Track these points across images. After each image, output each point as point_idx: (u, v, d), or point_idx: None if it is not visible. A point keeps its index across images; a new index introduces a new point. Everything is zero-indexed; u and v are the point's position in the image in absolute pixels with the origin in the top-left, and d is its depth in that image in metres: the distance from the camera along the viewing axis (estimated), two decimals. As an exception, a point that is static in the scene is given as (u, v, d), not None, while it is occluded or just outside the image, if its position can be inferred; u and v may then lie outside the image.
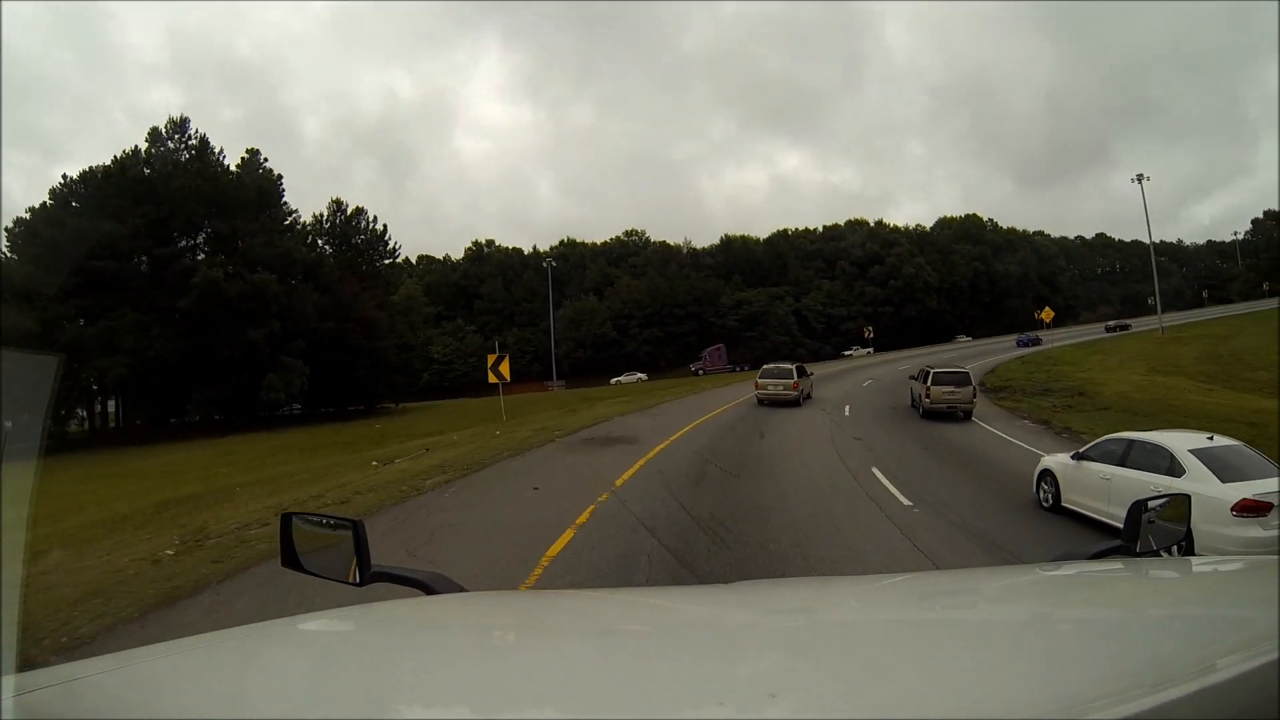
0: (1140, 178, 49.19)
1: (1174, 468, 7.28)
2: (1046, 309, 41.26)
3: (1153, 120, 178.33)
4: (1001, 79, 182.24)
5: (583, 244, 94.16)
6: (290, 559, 1.63)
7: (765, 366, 23.82)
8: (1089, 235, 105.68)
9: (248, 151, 47.75)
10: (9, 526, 4.44)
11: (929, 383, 19.43)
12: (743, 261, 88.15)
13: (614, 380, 66.90)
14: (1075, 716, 0.76)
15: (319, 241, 52.14)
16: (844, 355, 72.36)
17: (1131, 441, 8.11)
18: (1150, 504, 1.64)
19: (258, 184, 46.21)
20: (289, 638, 1.32)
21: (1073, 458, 8.91)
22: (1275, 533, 6.44)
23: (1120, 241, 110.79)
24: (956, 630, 1.25)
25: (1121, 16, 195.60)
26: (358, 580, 1.55)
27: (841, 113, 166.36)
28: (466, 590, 1.62)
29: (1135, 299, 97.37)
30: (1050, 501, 9.10)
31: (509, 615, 1.51)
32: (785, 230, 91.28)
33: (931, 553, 7.15)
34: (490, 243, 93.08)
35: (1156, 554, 1.58)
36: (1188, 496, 1.74)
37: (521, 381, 73.24)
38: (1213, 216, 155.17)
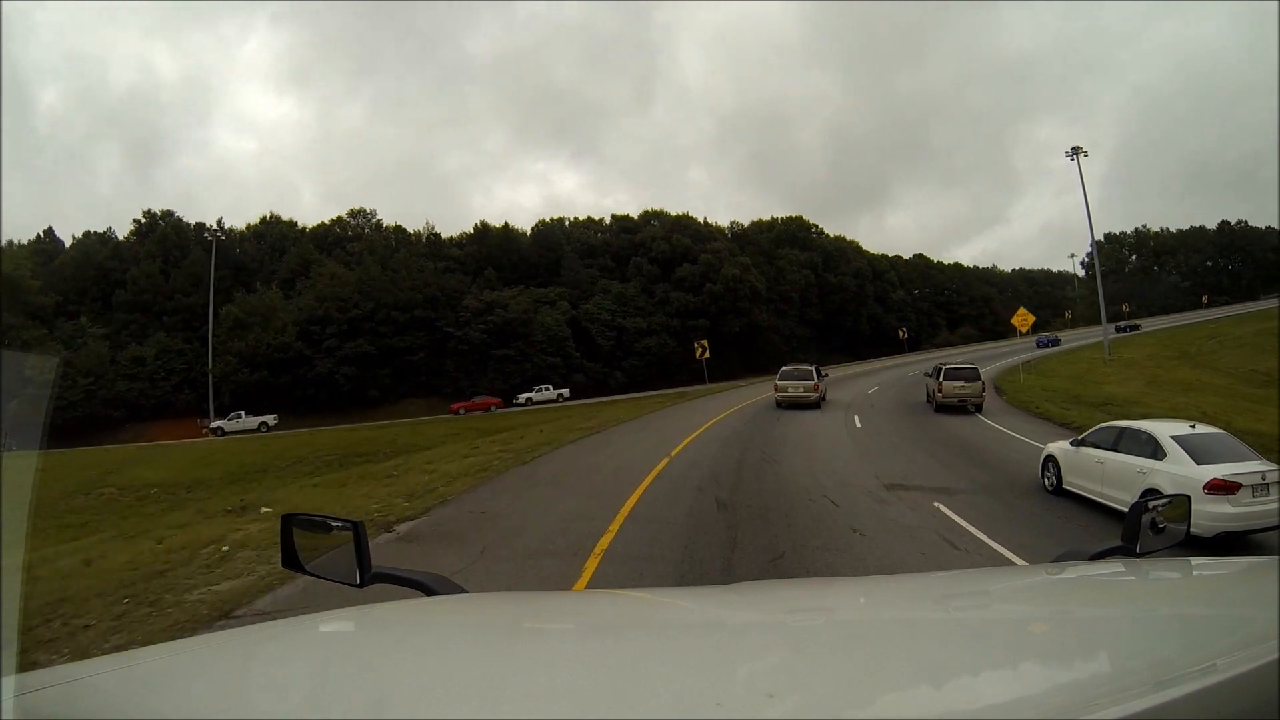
0: (1077, 151, 47.04)
1: (1157, 452, 9.12)
2: (1021, 312, 36.23)
3: (931, 164, 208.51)
4: (790, 111, 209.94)
5: (287, 223, 78.37)
6: (290, 560, 1.80)
7: (784, 369, 27.67)
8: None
9: None
10: (9, 526, 4.45)
11: (941, 379, 23.69)
12: (501, 254, 76.51)
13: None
14: (1075, 716, 0.80)
15: None
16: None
17: (1123, 429, 10.09)
18: (1150, 504, 1.83)
19: None
20: (289, 638, 1.44)
21: (1072, 444, 11.04)
22: (1245, 509, 8.04)
23: (941, 263, 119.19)
24: (956, 630, 1.34)
25: (908, 64, 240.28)
26: (358, 581, 1.72)
27: (626, 132, 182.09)
28: (466, 591, 1.80)
29: (969, 319, 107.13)
30: (1053, 485, 11.19)
31: (509, 616, 1.66)
32: (561, 219, 69.46)
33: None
34: (168, 214, 74.00)
35: (1157, 555, 1.80)
36: (1188, 497, 1.97)
37: (165, 418, 56.45)
38: (972, 258, 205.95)
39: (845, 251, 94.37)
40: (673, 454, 15.34)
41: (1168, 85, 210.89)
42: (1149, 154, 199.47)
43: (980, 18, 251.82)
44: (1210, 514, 7.76)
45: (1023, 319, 35.13)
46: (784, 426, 19.38)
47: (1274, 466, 8.48)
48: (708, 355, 42.29)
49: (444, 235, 79.01)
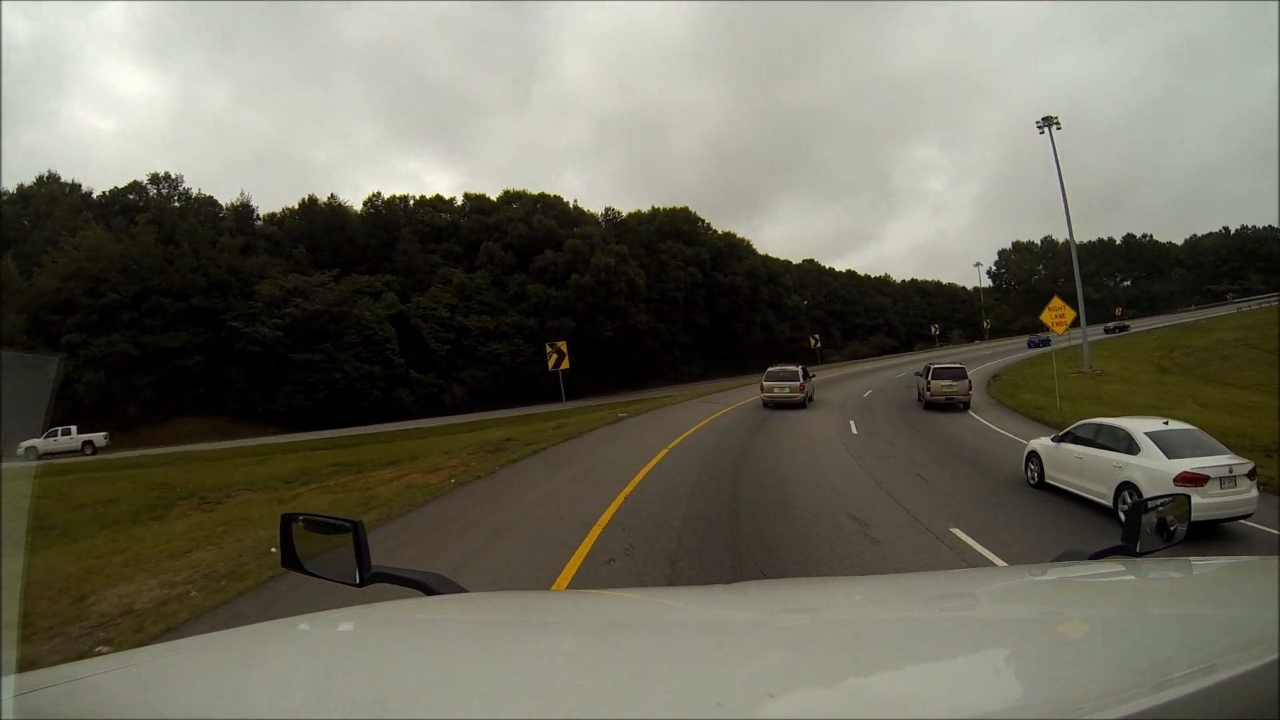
0: (1049, 121, 43.28)
1: (1131, 447, 10.31)
2: (1055, 305, 26.13)
3: (810, 178, 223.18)
4: (672, 118, 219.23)
5: (67, 185, 64.91)
6: (290, 560, 1.93)
7: (770, 369, 29.89)
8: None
9: None
10: (9, 526, 4.68)
11: (930, 377, 26.18)
12: (325, 235, 65.38)
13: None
14: (1075, 716, 0.86)
15: None
16: None
17: (1101, 425, 11.36)
18: (1151, 504, 1.97)
19: None
20: (289, 638, 1.54)
21: (1053, 440, 12.44)
22: (1214, 500, 9.13)
23: (833, 270, 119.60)
24: (956, 630, 1.44)
25: (794, 78, 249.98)
26: (358, 581, 1.84)
27: (502, 133, 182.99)
28: (466, 590, 1.91)
29: (865, 329, 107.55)
30: (1036, 479, 12.58)
31: (509, 615, 1.79)
32: (405, 197, 59.93)
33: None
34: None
35: (1157, 554, 1.95)
36: (1188, 497, 2.13)
37: None
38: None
39: (737, 249, 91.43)
40: None
41: (1040, 115, 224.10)
42: (1020, 179, 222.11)
43: (868, 36, 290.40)
44: None
45: (1058, 317, 25.48)
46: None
47: (1241, 460, 9.79)
48: (566, 364, 30.86)
49: (263, 211, 70.80)
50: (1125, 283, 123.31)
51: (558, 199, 77.32)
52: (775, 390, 27.95)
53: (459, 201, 76.85)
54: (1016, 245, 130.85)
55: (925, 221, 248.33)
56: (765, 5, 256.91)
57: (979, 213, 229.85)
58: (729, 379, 64.45)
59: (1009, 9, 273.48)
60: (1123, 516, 9.50)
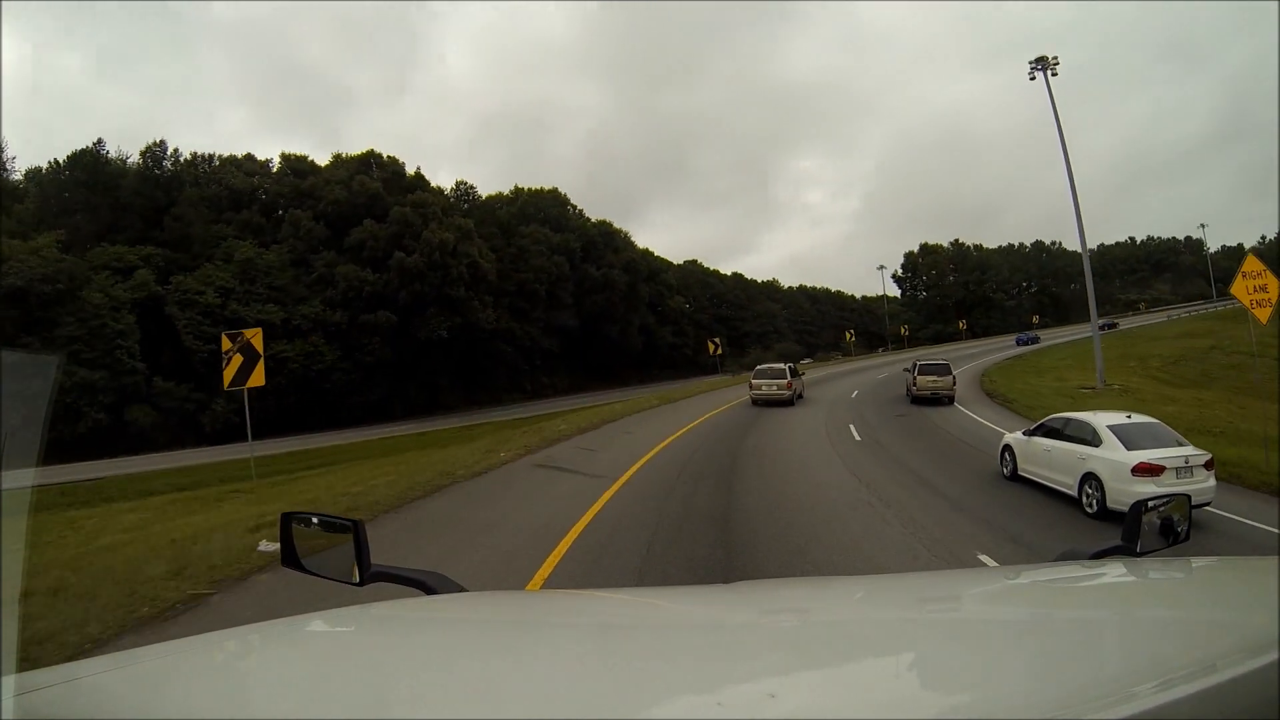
0: (1044, 63, 34.69)
1: (1094, 439, 11.31)
2: (1252, 266, 16.99)
3: (690, 184, 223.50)
4: (550, 118, 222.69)
5: None
6: (290, 559, 1.99)
7: (759, 367, 33.30)
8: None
9: None
10: (9, 526, 5.00)
11: (916, 373, 28.79)
12: (81, 194, 51.52)
13: None
14: (1075, 716, 0.90)
15: None
16: None
17: (1068, 419, 12.52)
18: (1150, 504, 2.03)
19: None
20: (289, 638, 1.61)
21: (1024, 434, 13.66)
22: (1170, 489, 9.81)
23: (719, 272, 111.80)
24: (956, 630, 1.53)
25: (675, 84, 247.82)
26: (358, 580, 1.92)
27: (373, 125, 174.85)
28: (466, 590, 1.98)
29: (754, 336, 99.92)
30: (1010, 472, 13.68)
31: (509, 615, 1.87)
32: (210, 155, 58.85)
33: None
34: None
35: (1157, 554, 2.06)
36: (1188, 496, 2.21)
37: None
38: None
39: (613, 239, 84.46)
40: None
41: (923, 132, 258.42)
42: (902, 192, 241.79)
43: (756, 42, 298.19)
44: (1137, 494, 8.91)
45: (1260, 291, 16.44)
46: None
47: (1198, 451, 10.91)
48: (259, 379, 18.79)
49: (27, 165, 59.69)
50: (1033, 289, 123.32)
51: (392, 160, 65.16)
52: (764, 387, 30.15)
53: (276, 165, 63.68)
54: (924, 248, 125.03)
55: (805, 231, 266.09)
56: (653, 6, 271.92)
57: (859, 224, 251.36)
58: (602, 391, 59.70)
59: (898, 24, 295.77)
60: (1087, 510, 11.10)
